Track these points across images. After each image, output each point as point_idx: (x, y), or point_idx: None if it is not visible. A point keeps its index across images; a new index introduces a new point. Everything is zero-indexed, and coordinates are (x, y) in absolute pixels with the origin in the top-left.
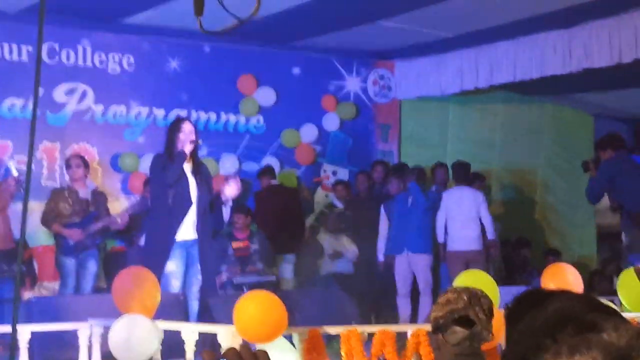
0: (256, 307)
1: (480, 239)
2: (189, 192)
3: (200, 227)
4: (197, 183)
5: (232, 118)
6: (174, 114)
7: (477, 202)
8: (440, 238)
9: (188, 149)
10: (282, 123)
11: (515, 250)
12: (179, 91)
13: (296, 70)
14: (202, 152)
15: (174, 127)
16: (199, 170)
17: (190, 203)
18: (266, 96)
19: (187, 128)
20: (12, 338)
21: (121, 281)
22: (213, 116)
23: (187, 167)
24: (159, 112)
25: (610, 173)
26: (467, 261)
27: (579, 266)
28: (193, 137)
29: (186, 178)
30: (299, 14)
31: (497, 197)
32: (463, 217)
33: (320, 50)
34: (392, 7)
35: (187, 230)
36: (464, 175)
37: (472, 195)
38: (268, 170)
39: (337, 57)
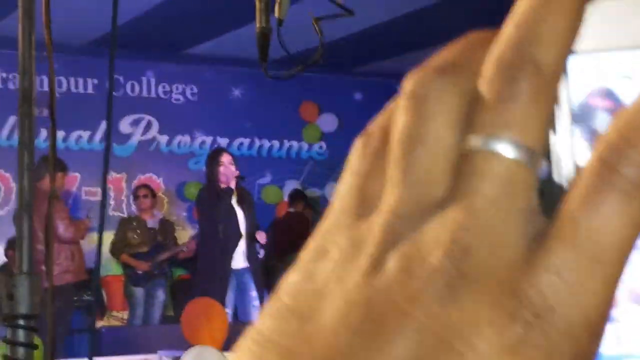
0: None
1: None
2: (237, 225)
3: (251, 255)
4: (244, 213)
5: (295, 145)
6: (237, 142)
7: None
8: None
9: (234, 184)
10: (345, 149)
11: None
12: (242, 119)
13: (358, 96)
14: (267, 179)
15: (214, 159)
16: (244, 199)
17: (240, 235)
18: (328, 122)
19: (226, 159)
20: None
21: (190, 312)
22: (276, 143)
23: (233, 198)
24: (223, 141)
25: None
26: None
27: None
28: (235, 171)
29: (234, 211)
30: (360, 40)
31: None
32: None
33: (382, 75)
34: (455, 29)
35: (237, 258)
36: None
37: None
38: (298, 195)
39: (399, 81)
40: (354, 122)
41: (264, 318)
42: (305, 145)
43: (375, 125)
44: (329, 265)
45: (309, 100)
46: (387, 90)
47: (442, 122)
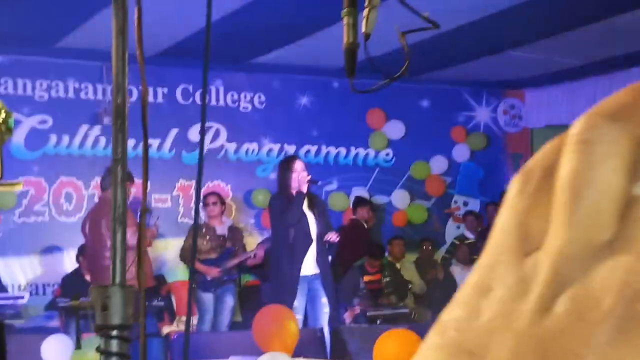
0: (396, 346)
1: None
2: (309, 230)
3: (321, 260)
4: (315, 218)
5: (362, 152)
6: (305, 149)
7: None
8: None
9: (305, 188)
10: (412, 155)
11: None
12: (309, 127)
13: (425, 103)
14: (333, 186)
15: (286, 166)
16: (315, 204)
17: (311, 240)
18: (395, 129)
19: (298, 166)
20: None
21: (261, 319)
22: (343, 151)
23: (304, 203)
24: (290, 148)
25: None
26: None
27: None
28: (307, 176)
29: (305, 216)
30: (427, 47)
31: None
32: None
33: (448, 81)
34: (520, 36)
35: (309, 265)
36: None
37: None
38: (361, 202)
39: (466, 88)
40: (420, 129)
41: (431, 353)
42: (372, 152)
43: (534, 163)
44: (495, 302)
45: (375, 107)
46: (453, 97)
47: (611, 166)
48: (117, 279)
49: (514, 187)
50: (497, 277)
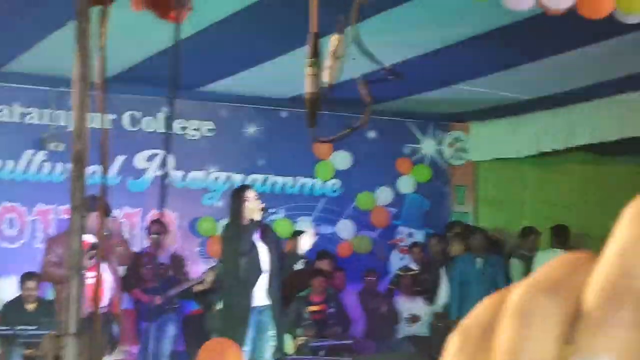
0: None
1: None
2: (259, 260)
3: (272, 292)
4: (267, 248)
5: (309, 182)
6: (251, 178)
7: None
8: None
9: (258, 217)
10: (358, 186)
11: None
12: (257, 156)
13: (371, 134)
14: (279, 215)
15: (239, 195)
16: (267, 235)
17: (261, 272)
18: (341, 160)
19: (251, 195)
20: None
21: (206, 353)
22: (290, 180)
23: (256, 233)
24: (237, 177)
25: None
26: None
27: None
28: (261, 204)
29: (256, 247)
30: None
31: None
32: None
33: (394, 114)
34: (466, 71)
35: (259, 296)
36: (565, 238)
37: None
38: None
39: (412, 120)
40: (367, 160)
41: None
42: (318, 182)
43: (472, 322)
44: None
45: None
46: (399, 129)
47: (545, 337)
48: (71, 329)
49: (452, 344)
50: None
